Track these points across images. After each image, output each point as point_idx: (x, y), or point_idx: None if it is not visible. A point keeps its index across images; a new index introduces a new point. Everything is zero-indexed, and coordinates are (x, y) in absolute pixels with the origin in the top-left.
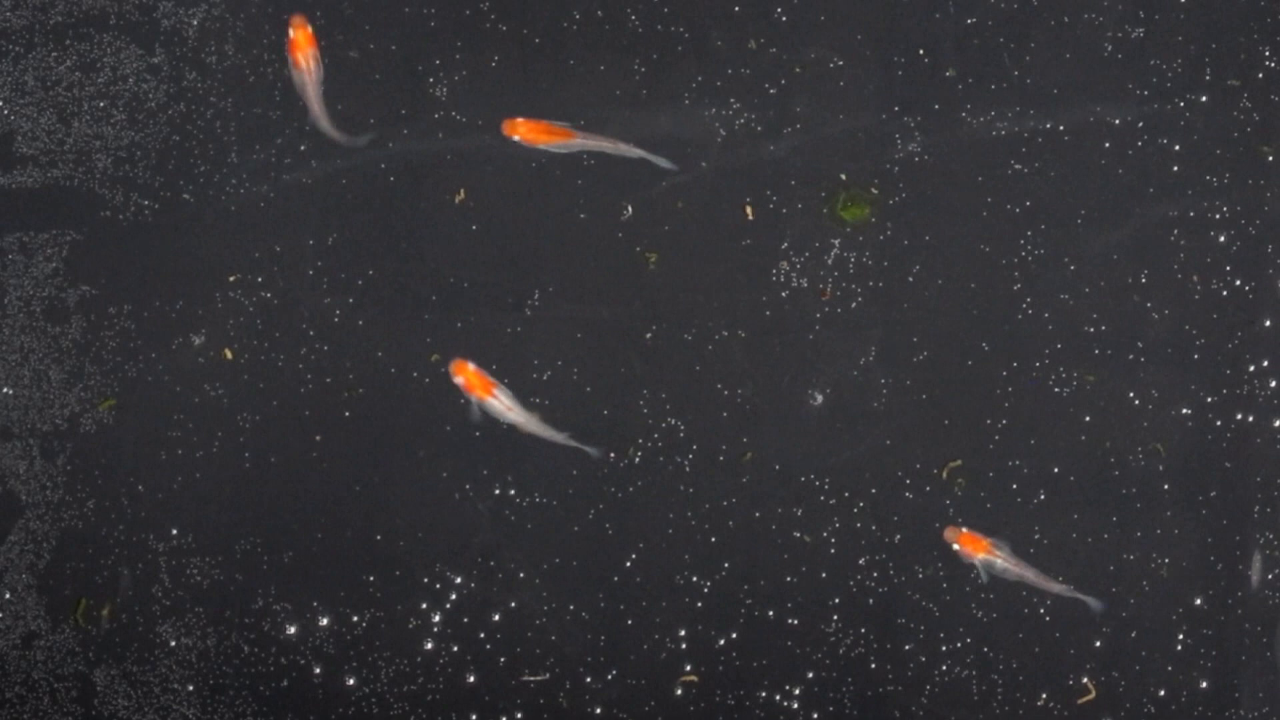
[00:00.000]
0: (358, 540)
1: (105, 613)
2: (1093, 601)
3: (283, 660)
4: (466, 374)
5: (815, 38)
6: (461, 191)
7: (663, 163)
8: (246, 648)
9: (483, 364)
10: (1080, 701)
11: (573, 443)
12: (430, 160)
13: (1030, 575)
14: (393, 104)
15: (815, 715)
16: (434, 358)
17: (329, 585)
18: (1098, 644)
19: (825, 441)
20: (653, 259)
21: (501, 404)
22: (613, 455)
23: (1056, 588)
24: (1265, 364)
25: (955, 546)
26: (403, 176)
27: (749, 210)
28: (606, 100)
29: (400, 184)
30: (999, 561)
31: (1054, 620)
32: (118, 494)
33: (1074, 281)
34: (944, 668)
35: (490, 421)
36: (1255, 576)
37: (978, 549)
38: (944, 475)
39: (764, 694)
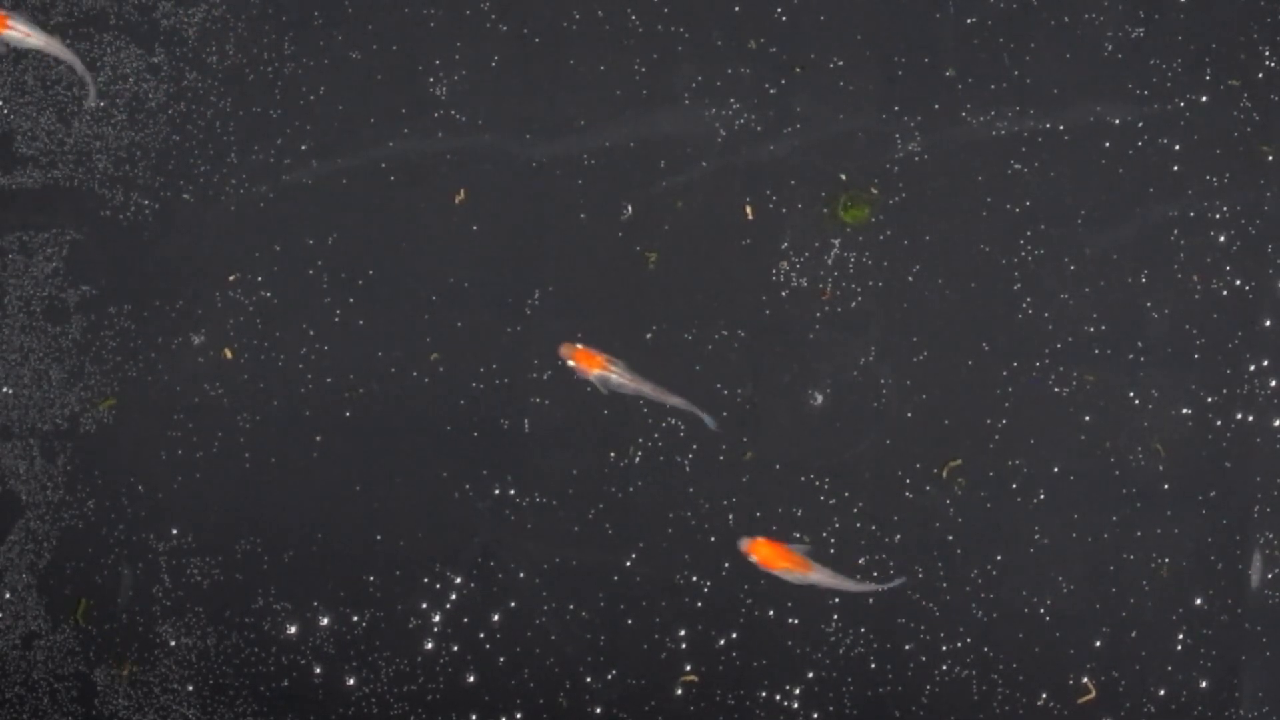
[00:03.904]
0: (358, 540)
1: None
2: (707, 418)
3: (283, 660)
4: None
5: (815, 38)
6: (461, 191)
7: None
8: (246, 648)
9: (483, 364)
10: (1080, 701)
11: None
12: (430, 160)
13: (648, 389)
14: (393, 104)
15: (815, 715)
16: (433, 357)
17: (329, 585)
18: (1098, 644)
19: (825, 441)
20: (653, 259)
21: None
22: (612, 455)
23: (673, 400)
24: (1265, 364)
25: (570, 363)
26: (403, 176)
27: (749, 210)
28: (606, 100)
29: (400, 184)
30: (614, 376)
31: (1054, 620)
32: (118, 494)
33: (1074, 281)
34: (944, 668)
35: (478, 411)
36: (1255, 576)
37: (593, 365)
38: (944, 475)
39: (764, 694)
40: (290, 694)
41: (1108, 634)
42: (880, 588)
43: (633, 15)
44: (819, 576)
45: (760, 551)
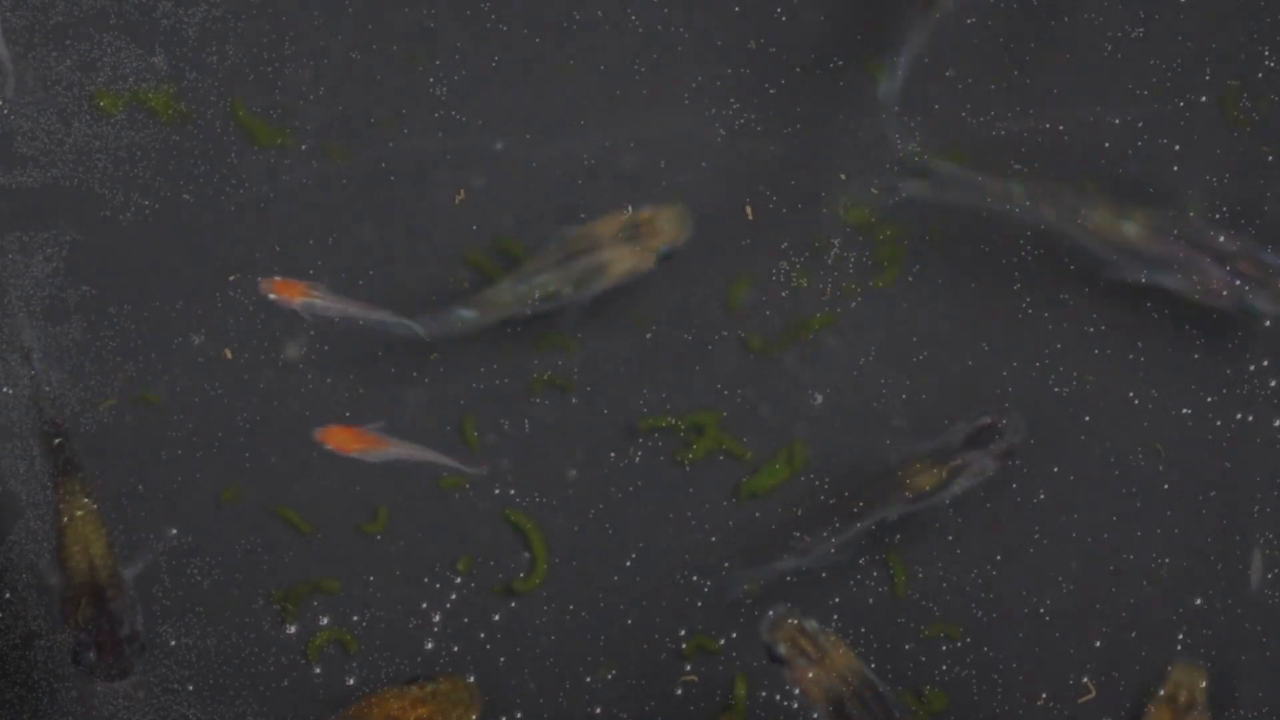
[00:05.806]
0: (358, 540)
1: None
2: (417, 326)
3: (283, 660)
4: None
5: (815, 38)
6: (461, 191)
7: None
8: (246, 648)
9: (483, 364)
10: (1080, 701)
11: None
12: (430, 160)
13: (353, 309)
14: (393, 104)
15: (815, 715)
16: (433, 357)
17: (329, 585)
18: (1098, 644)
19: (825, 441)
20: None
21: None
22: (612, 455)
23: (377, 315)
24: (1265, 364)
25: (271, 296)
26: (403, 176)
27: (749, 210)
28: (606, 100)
29: (400, 184)
30: (318, 301)
31: (1054, 620)
32: (118, 494)
33: (1074, 281)
34: (944, 668)
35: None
36: (1255, 576)
37: (295, 294)
38: (944, 475)
39: (764, 694)
40: (290, 694)
41: (1108, 634)
42: (467, 469)
43: (633, 15)
44: (399, 451)
45: (334, 438)
